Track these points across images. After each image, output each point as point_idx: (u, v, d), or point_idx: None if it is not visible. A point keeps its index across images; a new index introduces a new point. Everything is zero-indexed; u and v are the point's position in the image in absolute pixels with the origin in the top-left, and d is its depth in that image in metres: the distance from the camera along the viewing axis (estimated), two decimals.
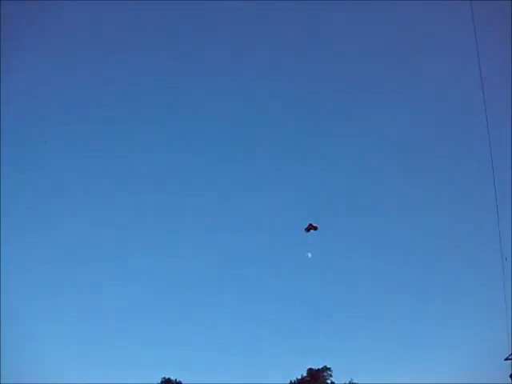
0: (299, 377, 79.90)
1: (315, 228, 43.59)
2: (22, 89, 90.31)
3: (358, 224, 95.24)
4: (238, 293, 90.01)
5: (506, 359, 43.07)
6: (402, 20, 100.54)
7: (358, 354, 79.63)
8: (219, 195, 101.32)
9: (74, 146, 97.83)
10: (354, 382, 78.64)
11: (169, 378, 79.26)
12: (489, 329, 62.11)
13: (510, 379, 42.73)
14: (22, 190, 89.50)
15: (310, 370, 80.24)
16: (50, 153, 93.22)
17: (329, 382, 79.97)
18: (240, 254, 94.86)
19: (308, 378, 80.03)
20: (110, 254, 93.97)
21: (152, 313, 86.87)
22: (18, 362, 60.18)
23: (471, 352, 63.21)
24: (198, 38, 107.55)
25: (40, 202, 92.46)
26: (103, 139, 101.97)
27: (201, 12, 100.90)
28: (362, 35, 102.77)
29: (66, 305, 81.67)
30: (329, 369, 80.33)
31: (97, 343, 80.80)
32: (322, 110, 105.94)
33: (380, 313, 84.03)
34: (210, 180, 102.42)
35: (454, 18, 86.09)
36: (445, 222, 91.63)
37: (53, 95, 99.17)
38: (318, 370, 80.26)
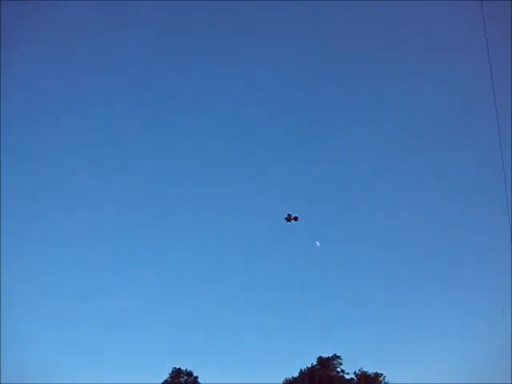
0: (309, 365, 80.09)
1: (295, 219, 44.33)
2: (21, 84, 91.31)
3: (366, 212, 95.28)
4: (246, 282, 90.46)
5: None
6: (402, 19, 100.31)
7: (367, 342, 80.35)
8: (221, 184, 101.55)
9: (74, 142, 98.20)
10: (363, 369, 78.92)
11: (179, 368, 79.68)
12: None
13: None
14: (21, 185, 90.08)
15: (319, 359, 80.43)
16: (49, 149, 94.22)
17: (339, 370, 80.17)
18: (245, 243, 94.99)
19: (318, 367, 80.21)
20: (114, 248, 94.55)
21: (161, 304, 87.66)
22: (18, 362, 61.21)
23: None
24: (198, 36, 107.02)
25: (39, 199, 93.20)
26: (101, 133, 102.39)
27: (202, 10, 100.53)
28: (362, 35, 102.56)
29: (72, 298, 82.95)
30: (339, 357, 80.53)
31: (104, 337, 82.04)
32: (322, 103, 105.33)
33: (390, 300, 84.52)
34: (212, 169, 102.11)
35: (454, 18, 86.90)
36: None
37: (52, 92, 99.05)
38: (328, 358, 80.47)
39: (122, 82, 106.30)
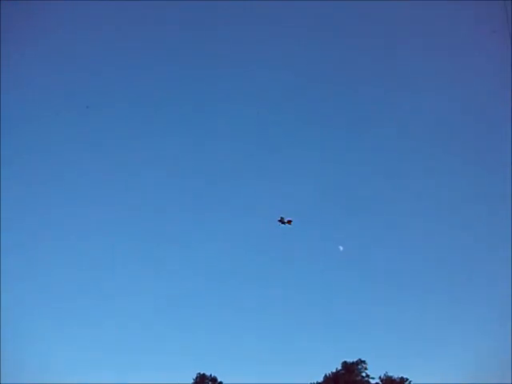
0: (334, 370, 79.66)
1: (289, 222, 44.51)
2: (21, 84, 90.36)
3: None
4: (268, 286, 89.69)
5: None
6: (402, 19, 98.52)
7: (393, 347, 79.97)
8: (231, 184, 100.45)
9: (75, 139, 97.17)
10: (389, 374, 78.39)
11: (203, 374, 79.54)
12: None
13: None
14: (23, 184, 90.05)
15: (344, 363, 79.91)
16: (49, 148, 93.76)
17: (364, 374, 79.68)
18: (264, 243, 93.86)
19: (343, 371, 79.73)
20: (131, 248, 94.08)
21: (186, 308, 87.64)
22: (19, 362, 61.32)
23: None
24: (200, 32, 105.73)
25: (42, 198, 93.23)
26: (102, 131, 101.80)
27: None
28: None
29: (90, 302, 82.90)
30: (363, 361, 79.95)
31: (127, 341, 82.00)
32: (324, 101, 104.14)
33: (416, 304, 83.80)
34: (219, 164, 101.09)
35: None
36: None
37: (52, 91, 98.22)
38: (353, 363, 79.97)
39: (122, 80, 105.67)
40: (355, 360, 79.87)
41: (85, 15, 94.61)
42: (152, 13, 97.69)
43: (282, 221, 45.64)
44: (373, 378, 78.92)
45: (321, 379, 79.29)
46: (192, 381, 79.27)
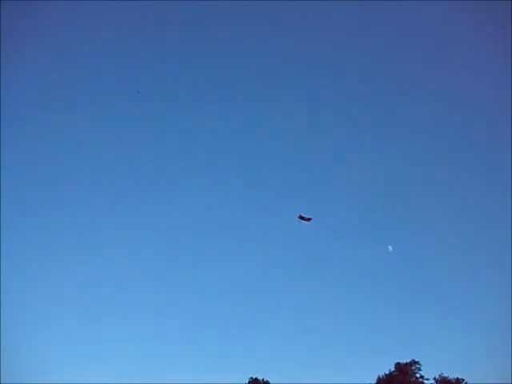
0: (387, 372, 78.66)
1: (309, 219, 44.00)
2: (21, 84, 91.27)
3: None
4: (319, 291, 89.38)
5: None
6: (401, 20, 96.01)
7: (447, 347, 78.75)
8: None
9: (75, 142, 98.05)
10: (444, 375, 77.02)
11: (256, 378, 79.53)
12: None
13: None
14: (24, 184, 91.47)
15: (397, 365, 78.85)
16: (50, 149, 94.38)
17: (418, 375, 78.46)
18: (309, 253, 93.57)
19: (396, 373, 78.63)
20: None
21: (238, 312, 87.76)
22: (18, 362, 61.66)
23: None
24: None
25: (46, 198, 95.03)
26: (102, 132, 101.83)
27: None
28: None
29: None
30: (417, 362, 78.70)
31: (181, 344, 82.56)
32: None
33: (470, 304, 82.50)
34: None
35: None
36: None
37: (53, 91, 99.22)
38: (406, 363, 78.79)
39: (122, 80, 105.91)
40: (409, 361, 78.80)
41: (85, 15, 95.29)
42: (152, 13, 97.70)
43: (301, 217, 46.08)
44: (427, 379, 77.69)
45: (374, 381, 78.44)
46: None
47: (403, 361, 78.68)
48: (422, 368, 78.36)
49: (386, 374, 78.62)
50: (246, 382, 79.44)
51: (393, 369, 78.85)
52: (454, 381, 76.93)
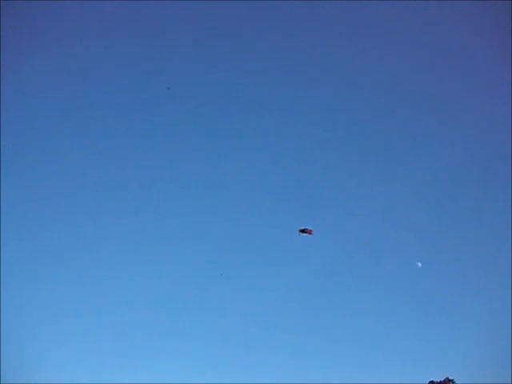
0: None
1: (310, 232, 43.78)
2: (21, 84, 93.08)
3: None
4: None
5: None
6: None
7: (483, 364, 76.55)
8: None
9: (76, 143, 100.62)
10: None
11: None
12: None
13: None
14: (24, 186, 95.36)
15: (431, 383, 79.11)
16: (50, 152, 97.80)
17: None
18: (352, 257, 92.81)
19: None
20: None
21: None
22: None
23: None
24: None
25: (45, 201, 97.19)
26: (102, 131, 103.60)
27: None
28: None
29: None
30: (452, 380, 78.09)
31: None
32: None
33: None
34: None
35: None
36: None
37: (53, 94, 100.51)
38: (440, 382, 78.59)
39: (123, 80, 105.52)
40: (443, 379, 78.54)
41: (85, 15, 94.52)
42: (152, 13, 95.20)
43: (302, 231, 46.56)
44: None
45: None
46: None
47: (437, 379, 78.63)
48: None
49: None
50: None
51: None
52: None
